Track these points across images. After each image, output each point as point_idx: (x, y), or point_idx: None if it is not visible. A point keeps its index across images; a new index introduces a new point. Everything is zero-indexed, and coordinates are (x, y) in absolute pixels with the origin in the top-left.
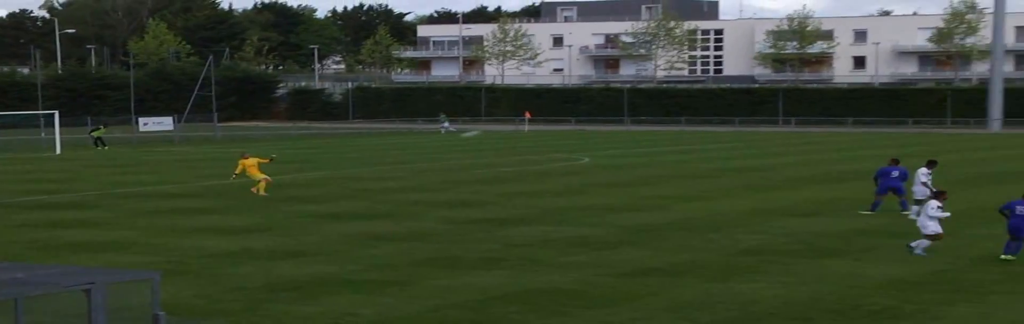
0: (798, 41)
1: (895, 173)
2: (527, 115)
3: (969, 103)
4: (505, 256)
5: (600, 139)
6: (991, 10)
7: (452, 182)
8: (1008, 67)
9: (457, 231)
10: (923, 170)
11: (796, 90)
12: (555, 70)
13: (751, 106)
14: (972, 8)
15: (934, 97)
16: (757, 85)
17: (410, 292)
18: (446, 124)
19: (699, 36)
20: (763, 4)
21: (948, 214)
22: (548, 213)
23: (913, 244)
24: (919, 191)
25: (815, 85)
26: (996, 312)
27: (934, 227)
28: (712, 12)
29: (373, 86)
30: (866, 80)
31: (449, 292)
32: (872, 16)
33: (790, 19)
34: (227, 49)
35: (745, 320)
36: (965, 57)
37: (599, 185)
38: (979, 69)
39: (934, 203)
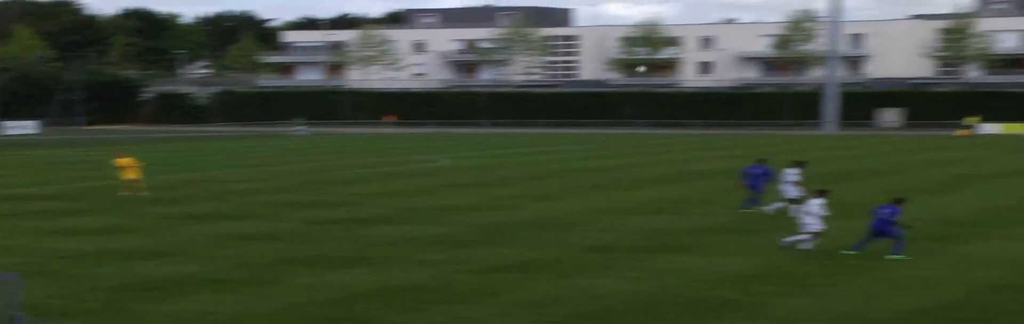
0: (648, 47)
1: (757, 171)
2: (390, 118)
3: (806, 106)
4: (365, 255)
5: (459, 141)
6: (827, 18)
7: (313, 183)
8: (842, 72)
9: (318, 231)
10: (792, 170)
11: (646, 94)
12: (416, 74)
13: (603, 109)
14: (809, 17)
15: (775, 101)
16: (609, 89)
17: (271, 290)
18: (302, 128)
19: (559, 42)
20: (616, 12)
21: (828, 213)
22: (407, 213)
23: (788, 240)
24: (786, 190)
25: (664, 89)
26: (827, 303)
27: (815, 225)
28: (566, 19)
29: (238, 90)
30: (712, 85)
31: (310, 290)
32: (718, 24)
33: (641, 26)
34: (93, 54)
35: (595, 314)
36: (803, 63)
37: (456, 185)
38: (816, 74)
39: (818, 200)
